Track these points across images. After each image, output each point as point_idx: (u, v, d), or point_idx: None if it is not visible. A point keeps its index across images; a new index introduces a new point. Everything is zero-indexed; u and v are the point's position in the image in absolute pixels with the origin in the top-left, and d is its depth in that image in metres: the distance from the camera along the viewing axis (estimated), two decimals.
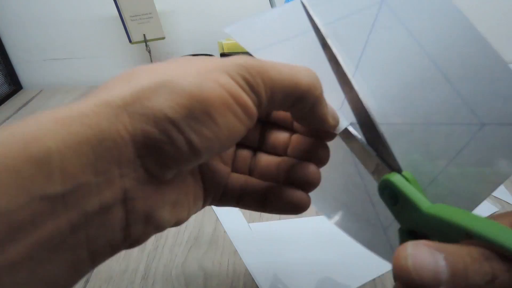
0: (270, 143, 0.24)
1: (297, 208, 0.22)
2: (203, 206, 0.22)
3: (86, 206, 0.14)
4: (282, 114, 0.24)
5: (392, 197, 0.19)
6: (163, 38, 0.72)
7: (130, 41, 0.70)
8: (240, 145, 0.25)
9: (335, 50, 0.21)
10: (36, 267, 0.13)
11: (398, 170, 0.20)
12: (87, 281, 0.35)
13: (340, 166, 0.25)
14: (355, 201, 0.26)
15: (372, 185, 0.22)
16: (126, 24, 0.68)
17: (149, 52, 0.72)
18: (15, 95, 0.79)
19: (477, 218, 0.15)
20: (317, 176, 0.22)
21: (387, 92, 0.22)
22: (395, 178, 0.19)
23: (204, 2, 0.73)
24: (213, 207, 0.42)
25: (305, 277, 0.34)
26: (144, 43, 0.71)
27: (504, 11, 0.73)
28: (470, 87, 0.19)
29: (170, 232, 0.39)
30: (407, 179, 0.19)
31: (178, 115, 0.15)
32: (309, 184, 0.22)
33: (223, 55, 0.68)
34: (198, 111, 0.15)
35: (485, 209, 0.39)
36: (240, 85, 0.17)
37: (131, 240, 0.17)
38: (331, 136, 0.23)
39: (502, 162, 0.19)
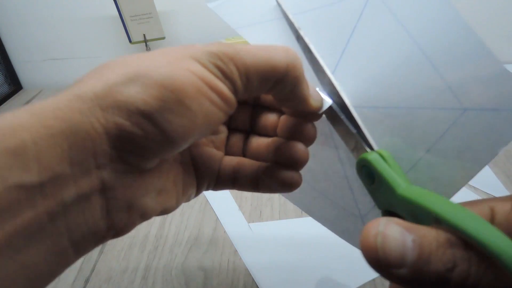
0: (261, 125, 0.24)
1: (288, 185, 0.22)
2: (198, 193, 0.23)
3: (64, 196, 0.14)
4: (270, 97, 0.24)
5: (369, 176, 0.19)
6: (163, 38, 0.72)
7: (130, 41, 0.70)
8: (233, 129, 0.25)
9: (307, 39, 0.22)
10: (15, 254, 0.13)
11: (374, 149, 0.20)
12: (87, 281, 0.35)
13: (320, 153, 0.25)
14: (333, 188, 0.26)
15: (352, 170, 0.22)
16: (126, 24, 0.68)
17: None
18: (15, 95, 0.79)
19: (449, 203, 0.15)
20: (305, 154, 0.22)
21: (372, 76, 0.22)
22: (372, 156, 0.19)
23: (204, 2, 0.73)
24: (213, 207, 0.42)
25: (305, 277, 0.34)
26: (144, 43, 0.71)
27: (503, 11, 0.73)
28: (454, 72, 0.19)
29: (170, 232, 0.39)
30: (384, 158, 0.19)
31: (150, 107, 0.15)
32: (298, 162, 0.22)
33: None
34: (171, 100, 0.16)
35: None
36: (213, 72, 0.17)
37: (116, 229, 0.17)
38: (316, 116, 0.23)
39: (482, 148, 0.19)
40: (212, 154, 0.23)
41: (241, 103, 0.24)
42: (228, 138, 0.25)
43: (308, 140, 0.23)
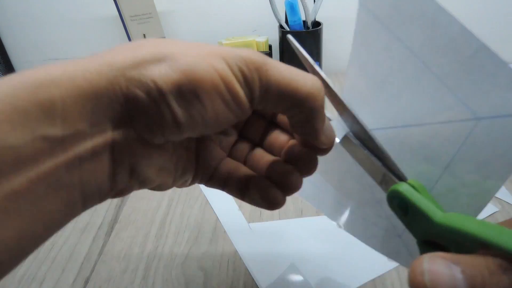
0: (270, 142, 0.25)
1: (271, 203, 0.23)
2: (193, 182, 0.24)
3: (80, 150, 0.16)
4: (286, 118, 0.24)
5: (402, 207, 0.19)
6: (163, 38, 0.72)
7: (130, 41, 0.70)
8: (243, 137, 0.26)
9: (323, 75, 0.21)
10: (36, 200, 0.15)
11: (404, 179, 0.19)
12: (87, 281, 0.35)
13: (352, 177, 0.25)
14: (367, 208, 0.26)
15: (382, 195, 0.21)
16: (126, 24, 0.68)
17: None
18: None
19: (492, 226, 0.15)
20: (298, 183, 0.23)
21: (379, 97, 0.22)
22: (403, 188, 0.19)
23: (204, 2, 0.73)
24: (213, 207, 0.42)
25: (305, 277, 0.34)
26: None
27: (504, 12, 0.73)
28: (462, 82, 0.19)
29: (170, 232, 0.39)
30: (415, 188, 0.19)
31: (167, 88, 0.16)
32: (289, 188, 0.23)
33: None
34: (187, 89, 0.17)
35: (485, 209, 0.39)
36: (235, 75, 0.17)
37: (117, 189, 0.18)
38: (322, 152, 0.23)
39: (501, 159, 0.18)
40: (215, 151, 0.24)
41: (258, 116, 0.25)
42: (235, 143, 0.25)
43: (307, 172, 0.23)
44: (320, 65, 0.65)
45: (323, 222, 0.39)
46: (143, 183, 0.20)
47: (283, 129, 0.25)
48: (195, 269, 0.35)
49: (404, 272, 0.33)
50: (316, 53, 0.67)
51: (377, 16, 0.22)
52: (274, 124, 0.25)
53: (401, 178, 0.19)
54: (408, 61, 0.20)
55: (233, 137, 0.25)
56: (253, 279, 0.34)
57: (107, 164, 0.17)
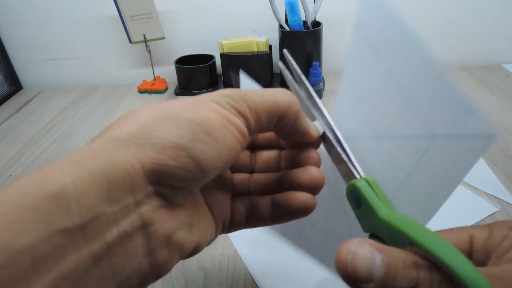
0: (263, 163, 0.26)
1: (305, 209, 0.24)
2: (217, 233, 0.23)
3: (106, 236, 0.15)
4: (267, 136, 0.26)
5: (357, 200, 0.21)
6: (163, 38, 0.72)
7: (130, 41, 0.70)
8: (236, 172, 0.26)
9: (308, 86, 0.26)
10: None
11: (361, 175, 0.22)
12: None
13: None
14: (331, 213, 0.27)
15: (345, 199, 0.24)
16: (126, 24, 0.68)
17: (149, 52, 0.72)
18: (15, 95, 0.79)
19: (423, 229, 0.17)
20: (321, 175, 0.24)
21: (361, 109, 0.25)
22: (360, 183, 0.21)
23: (204, 2, 0.73)
24: None
25: (305, 277, 0.34)
26: (144, 43, 0.71)
27: (503, 11, 0.73)
28: (426, 103, 0.21)
29: None
30: (370, 185, 0.21)
31: (183, 139, 0.17)
32: (316, 183, 0.24)
33: (223, 55, 0.68)
34: (200, 133, 0.18)
35: (485, 209, 0.39)
36: (229, 110, 0.19)
37: (157, 267, 0.17)
38: (316, 144, 0.25)
39: (449, 175, 0.21)
40: (221, 196, 0.24)
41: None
42: (232, 179, 0.26)
43: (317, 164, 0.25)
44: (320, 65, 0.65)
45: None
46: (182, 250, 0.19)
47: (268, 147, 0.26)
48: (195, 269, 0.35)
49: None
50: (316, 53, 0.67)
51: (368, 40, 0.25)
52: (257, 148, 0.27)
53: (360, 174, 0.22)
54: (387, 81, 0.23)
55: (228, 175, 0.26)
56: (253, 279, 0.34)
57: (140, 243, 0.16)
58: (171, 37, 0.76)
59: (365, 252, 0.16)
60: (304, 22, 0.66)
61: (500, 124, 0.55)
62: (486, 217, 0.39)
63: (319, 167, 0.25)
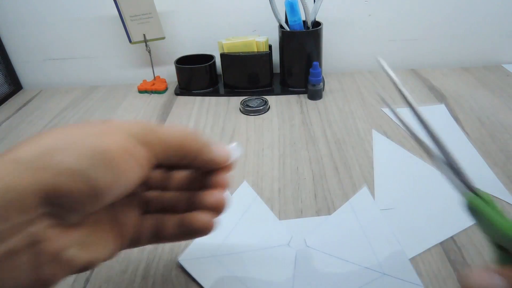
0: (176, 183, 0.29)
1: (204, 230, 0.26)
2: (119, 249, 0.25)
3: None
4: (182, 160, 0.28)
5: (476, 216, 0.24)
6: (163, 38, 0.72)
7: (130, 41, 0.70)
8: (151, 189, 0.28)
9: (407, 95, 0.30)
10: None
11: (474, 190, 0.25)
12: (87, 281, 0.35)
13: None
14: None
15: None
16: (126, 24, 0.68)
17: (149, 52, 0.72)
18: (15, 95, 0.79)
19: None
20: (223, 199, 0.27)
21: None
22: (477, 201, 0.24)
23: (204, 2, 0.73)
24: None
25: (306, 277, 0.34)
26: (144, 43, 0.71)
27: (503, 11, 0.73)
28: (382, 251, 0.35)
29: None
30: (485, 201, 0.23)
31: (82, 165, 0.18)
32: (218, 208, 0.27)
33: (223, 55, 0.68)
34: (100, 160, 0.19)
35: None
36: (135, 141, 0.21)
37: (43, 281, 0.18)
38: (226, 169, 0.29)
39: None
40: (129, 212, 0.26)
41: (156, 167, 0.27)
42: (145, 196, 0.28)
43: (223, 187, 0.28)
44: (320, 65, 0.66)
45: (322, 222, 0.39)
46: (71, 266, 0.20)
47: (180, 167, 0.29)
48: None
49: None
50: (316, 53, 0.67)
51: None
52: (175, 167, 0.29)
53: (473, 190, 0.25)
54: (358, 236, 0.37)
55: (138, 195, 0.27)
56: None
57: (27, 259, 0.17)
58: (171, 37, 0.76)
59: (483, 276, 0.20)
60: (304, 22, 0.66)
61: (500, 124, 0.55)
62: None
63: (225, 190, 0.28)
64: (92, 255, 0.21)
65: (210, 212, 0.27)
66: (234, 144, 0.29)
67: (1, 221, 0.16)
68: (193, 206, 0.27)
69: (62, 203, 0.18)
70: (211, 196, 0.27)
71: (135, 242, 0.26)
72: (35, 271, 0.18)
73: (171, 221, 0.27)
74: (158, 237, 0.27)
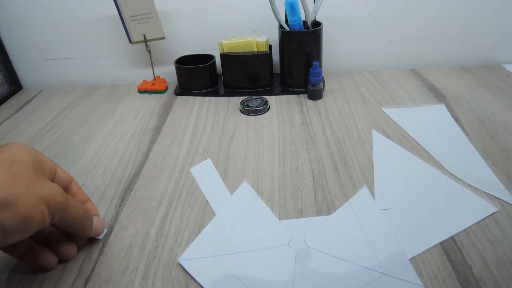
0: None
1: (45, 266, 0.35)
2: None
3: None
4: None
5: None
6: (163, 38, 0.72)
7: (130, 41, 0.70)
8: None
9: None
10: None
11: None
12: (87, 281, 0.35)
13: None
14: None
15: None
16: (126, 24, 0.68)
17: (149, 52, 0.72)
18: (15, 95, 0.79)
19: None
20: (71, 253, 0.37)
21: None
22: None
23: (204, 2, 0.73)
24: (213, 207, 0.42)
25: (305, 277, 0.34)
26: (144, 43, 0.71)
27: (502, 11, 0.73)
28: (382, 251, 0.35)
29: (170, 232, 0.39)
30: None
31: (9, 229, 0.26)
32: (66, 258, 0.36)
33: (223, 55, 0.68)
34: (24, 225, 0.27)
35: (485, 209, 0.39)
36: (49, 211, 0.29)
37: None
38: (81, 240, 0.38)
39: None
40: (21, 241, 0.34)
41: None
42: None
43: (77, 244, 0.38)
44: (320, 65, 0.65)
45: (322, 222, 0.39)
46: None
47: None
48: None
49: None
50: (316, 53, 0.67)
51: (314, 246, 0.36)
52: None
53: None
54: (358, 236, 0.37)
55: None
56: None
57: None
58: (171, 37, 0.76)
59: None
60: (304, 22, 0.66)
61: (500, 124, 0.55)
62: (486, 217, 0.39)
63: (77, 245, 0.37)
64: None
65: (57, 256, 0.35)
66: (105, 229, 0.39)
67: None
68: (48, 242, 0.35)
69: None
70: (65, 248, 0.35)
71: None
72: None
73: (24, 244, 0.33)
74: (8, 248, 0.33)
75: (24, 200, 0.26)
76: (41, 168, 0.32)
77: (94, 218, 0.36)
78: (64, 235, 0.37)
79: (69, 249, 0.36)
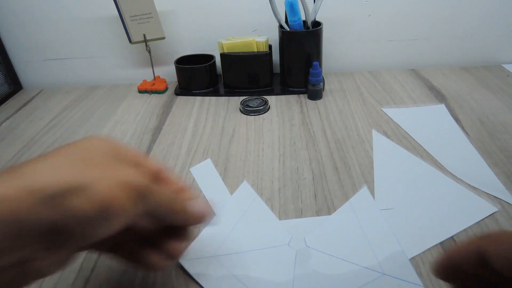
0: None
1: (154, 267, 0.30)
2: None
3: None
4: None
5: None
6: (163, 38, 0.72)
7: (130, 41, 0.70)
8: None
9: None
10: None
11: None
12: (87, 281, 0.35)
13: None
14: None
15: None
16: (126, 24, 0.68)
17: (149, 52, 0.72)
18: (15, 95, 0.79)
19: None
20: (180, 251, 0.31)
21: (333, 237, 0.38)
22: None
23: (204, 2, 0.73)
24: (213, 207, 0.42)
25: (305, 276, 0.34)
26: (144, 43, 0.71)
27: (503, 11, 0.73)
28: (382, 251, 0.35)
29: None
30: None
31: (90, 215, 0.21)
32: (174, 256, 0.30)
33: (223, 55, 0.68)
34: (105, 214, 0.22)
35: (485, 209, 0.39)
36: (134, 197, 0.24)
37: (15, 285, 0.22)
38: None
39: None
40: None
41: None
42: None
43: (186, 240, 0.31)
44: (320, 65, 0.66)
45: (322, 222, 0.39)
46: (37, 277, 0.23)
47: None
48: None
49: None
50: (316, 53, 0.67)
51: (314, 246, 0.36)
52: None
53: None
54: (358, 236, 0.37)
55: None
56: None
57: (12, 275, 0.21)
58: (171, 37, 0.76)
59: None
60: (304, 22, 0.66)
61: (500, 124, 0.55)
62: (486, 217, 0.39)
63: (186, 241, 0.31)
64: (60, 269, 0.24)
65: (164, 256, 0.30)
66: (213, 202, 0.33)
67: (10, 245, 0.19)
68: (153, 242, 0.30)
69: (58, 239, 0.21)
70: (171, 245, 0.30)
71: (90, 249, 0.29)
72: (13, 280, 0.21)
73: (127, 245, 0.29)
74: (113, 251, 0.30)
75: (99, 185, 0.22)
76: (121, 156, 0.27)
77: (190, 202, 0.30)
78: (172, 233, 0.31)
79: (176, 245, 0.31)
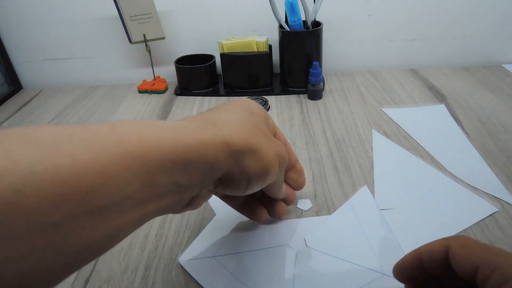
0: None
1: (258, 217, 0.37)
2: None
3: (187, 196, 0.24)
4: None
5: None
6: (163, 38, 0.72)
7: (130, 41, 0.70)
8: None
9: None
10: (145, 218, 0.22)
11: None
12: (87, 281, 0.35)
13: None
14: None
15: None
16: (126, 24, 0.68)
17: (149, 52, 0.72)
18: (15, 95, 0.79)
19: None
20: (283, 210, 0.37)
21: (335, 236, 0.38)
22: None
23: (204, 2, 0.73)
24: (213, 207, 0.42)
25: (305, 277, 0.34)
26: (144, 43, 0.71)
27: (503, 11, 0.73)
28: (382, 251, 0.35)
29: (170, 232, 0.39)
30: None
31: (252, 177, 0.26)
32: (273, 211, 0.37)
33: (223, 55, 0.68)
34: (263, 177, 0.27)
35: (485, 209, 0.39)
36: (280, 169, 0.30)
37: (180, 209, 0.27)
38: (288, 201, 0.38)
39: None
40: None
41: None
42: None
43: (289, 203, 0.38)
44: (320, 65, 0.66)
45: (322, 222, 0.39)
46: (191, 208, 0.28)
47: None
48: None
49: None
50: (316, 53, 0.67)
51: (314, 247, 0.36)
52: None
53: None
54: (358, 236, 0.38)
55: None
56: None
57: (183, 205, 0.26)
58: (171, 37, 0.76)
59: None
60: (304, 22, 0.66)
61: (500, 124, 0.55)
62: (486, 217, 0.39)
63: (290, 203, 0.38)
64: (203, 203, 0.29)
65: (266, 212, 0.37)
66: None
67: (200, 182, 0.24)
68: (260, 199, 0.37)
69: (222, 185, 0.26)
70: (278, 206, 0.37)
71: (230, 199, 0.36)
72: (174, 208, 0.25)
73: (241, 198, 0.36)
74: (229, 199, 0.36)
75: (266, 152, 0.26)
76: (269, 125, 0.32)
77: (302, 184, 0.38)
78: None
79: (281, 207, 0.37)
